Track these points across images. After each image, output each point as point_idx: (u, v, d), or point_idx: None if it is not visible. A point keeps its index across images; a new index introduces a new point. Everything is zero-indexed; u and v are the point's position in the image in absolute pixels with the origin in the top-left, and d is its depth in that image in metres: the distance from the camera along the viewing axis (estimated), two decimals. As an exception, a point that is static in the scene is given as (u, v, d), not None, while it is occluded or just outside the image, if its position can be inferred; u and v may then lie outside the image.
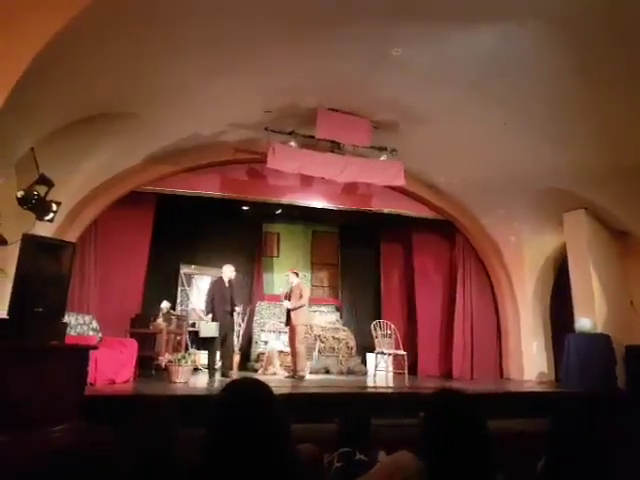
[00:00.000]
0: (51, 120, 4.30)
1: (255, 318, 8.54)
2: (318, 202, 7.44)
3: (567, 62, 4.41)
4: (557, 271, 7.87)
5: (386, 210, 7.67)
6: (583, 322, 6.52)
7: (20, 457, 2.18)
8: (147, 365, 6.47)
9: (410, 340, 8.28)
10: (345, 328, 8.88)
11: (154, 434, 1.72)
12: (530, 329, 7.76)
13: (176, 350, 6.79)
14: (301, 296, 6.71)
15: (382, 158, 6.36)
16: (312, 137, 5.93)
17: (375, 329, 7.34)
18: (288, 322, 6.77)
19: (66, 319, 4.27)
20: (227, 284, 6.59)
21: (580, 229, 6.83)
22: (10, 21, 3.14)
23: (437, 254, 8.58)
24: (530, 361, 7.65)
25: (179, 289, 8.49)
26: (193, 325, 7.86)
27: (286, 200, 7.34)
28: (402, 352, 7.18)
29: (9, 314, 3.09)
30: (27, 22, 3.18)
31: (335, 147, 6.20)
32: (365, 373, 7.97)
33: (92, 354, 4.12)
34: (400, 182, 6.34)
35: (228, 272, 6.66)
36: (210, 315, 6.38)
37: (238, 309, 6.83)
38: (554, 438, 1.70)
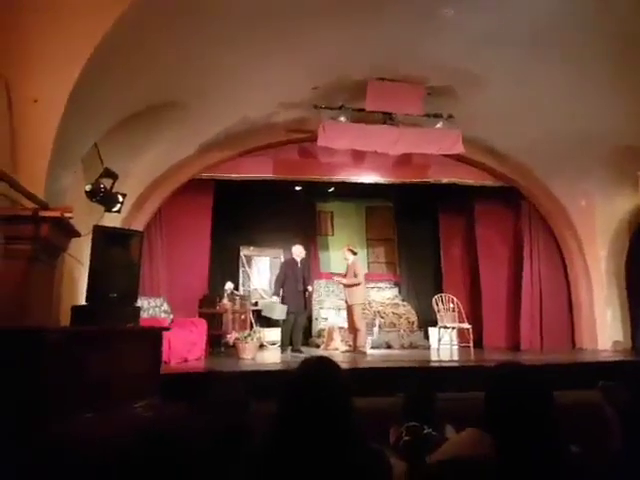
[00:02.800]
0: (111, 115, 4.48)
1: (314, 296, 8.66)
2: (371, 177, 7.32)
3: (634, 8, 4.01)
4: (632, 235, 7.33)
5: (444, 180, 7.39)
6: (663, 287, 6.08)
7: (106, 432, 2.35)
8: (216, 343, 6.77)
9: (474, 312, 8.07)
10: (405, 303, 8.80)
11: (229, 408, 1.80)
12: (604, 296, 7.32)
13: (242, 328, 7.05)
14: (355, 275, 6.69)
15: (438, 126, 6.11)
16: (363, 110, 5.79)
17: (437, 303, 7.23)
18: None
19: (139, 303, 4.52)
20: (299, 264, 6.72)
21: (658, 188, 6.31)
22: (65, 22, 3.27)
23: (501, 223, 8.24)
24: (604, 330, 7.24)
25: (240, 270, 8.75)
26: (256, 304, 8.12)
27: (338, 177, 7.29)
28: (466, 325, 7.04)
29: (87, 301, 3.31)
30: (81, 21, 3.31)
31: (387, 118, 6.03)
32: (428, 347, 7.89)
33: (165, 334, 4.30)
34: (459, 150, 6.07)
35: (299, 252, 6.79)
36: (276, 297, 6.55)
37: (310, 288, 6.99)
38: (632, 409, 1.62)
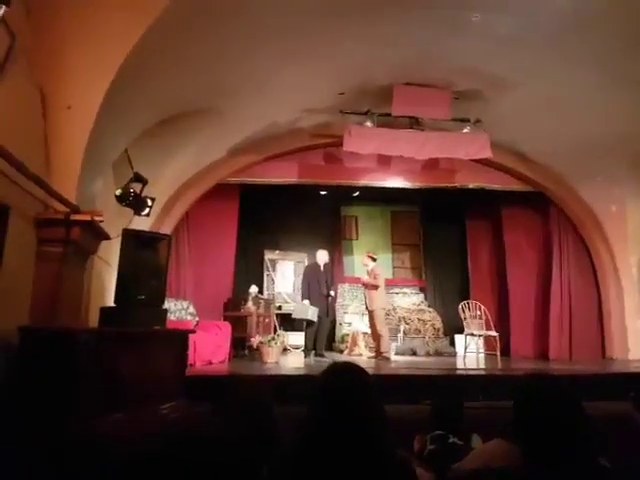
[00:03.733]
0: (142, 121, 4.57)
1: (338, 300, 8.64)
2: (397, 182, 7.28)
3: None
4: (666, 242, 7.10)
5: (471, 185, 7.28)
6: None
7: (134, 432, 2.40)
8: (240, 346, 6.82)
9: (502, 320, 7.91)
10: (431, 309, 8.69)
11: (253, 412, 1.81)
12: (635, 305, 7.09)
13: (266, 332, 7.09)
14: (375, 279, 6.68)
15: (465, 130, 6.03)
16: (389, 115, 5.77)
17: (463, 310, 7.12)
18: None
19: (166, 305, 4.58)
20: (322, 268, 6.75)
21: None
22: (99, 27, 3.35)
23: (529, 229, 8.06)
24: (636, 340, 7.01)
25: (265, 274, 8.81)
26: (280, 308, 8.16)
27: (363, 182, 7.28)
28: (494, 333, 6.91)
29: (115, 303, 3.38)
30: (115, 26, 3.38)
31: (414, 123, 5.99)
32: (454, 355, 7.77)
33: (191, 337, 4.30)
34: (487, 154, 5.97)
35: (323, 257, 6.82)
36: (307, 301, 6.60)
37: (333, 293, 6.99)
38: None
